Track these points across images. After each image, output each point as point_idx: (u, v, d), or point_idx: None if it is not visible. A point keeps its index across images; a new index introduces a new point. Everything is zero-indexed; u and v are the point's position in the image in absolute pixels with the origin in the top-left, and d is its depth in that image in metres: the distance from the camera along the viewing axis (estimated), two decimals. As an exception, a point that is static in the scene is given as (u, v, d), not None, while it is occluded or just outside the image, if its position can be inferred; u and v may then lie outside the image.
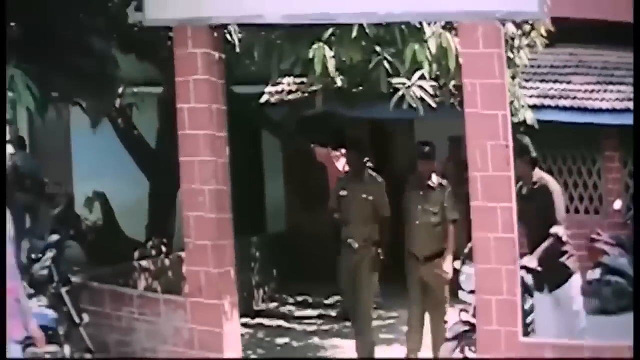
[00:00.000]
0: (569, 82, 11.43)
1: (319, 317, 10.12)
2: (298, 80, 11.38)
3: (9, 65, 6.30)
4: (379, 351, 8.15)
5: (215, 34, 6.48)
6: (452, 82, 7.36)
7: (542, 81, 11.27)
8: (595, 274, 10.29)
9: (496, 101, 5.80)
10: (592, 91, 11.20)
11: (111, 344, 7.29)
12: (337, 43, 6.54)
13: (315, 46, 6.33)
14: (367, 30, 6.49)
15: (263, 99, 11.42)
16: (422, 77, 6.69)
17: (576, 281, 7.12)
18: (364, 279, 7.96)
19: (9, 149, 10.47)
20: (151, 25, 6.67)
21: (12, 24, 6.57)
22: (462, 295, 7.23)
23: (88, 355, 6.95)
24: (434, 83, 6.80)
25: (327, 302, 10.62)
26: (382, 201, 8.00)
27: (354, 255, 7.97)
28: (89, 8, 7.45)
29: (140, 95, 10.06)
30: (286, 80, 11.49)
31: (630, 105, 10.67)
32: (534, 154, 7.01)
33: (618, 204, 10.57)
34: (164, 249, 9.68)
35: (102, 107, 8.23)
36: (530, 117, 9.33)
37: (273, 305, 10.82)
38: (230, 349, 6.59)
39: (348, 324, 8.64)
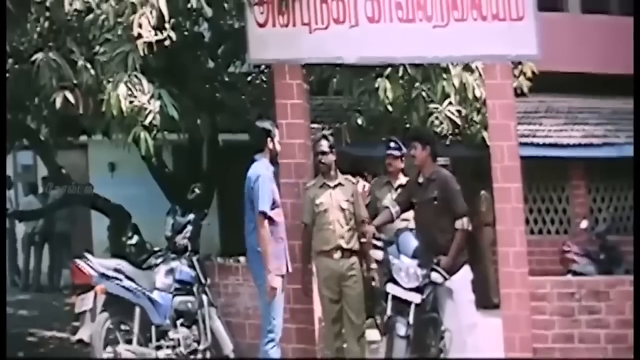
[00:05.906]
0: (540, 124, 14.02)
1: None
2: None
3: (155, 85, 8.48)
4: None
5: (304, 70, 9.23)
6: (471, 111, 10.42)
7: (517, 124, 13.89)
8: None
9: (508, 114, 8.58)
10: (560, 130, 13.79)
11: (219, 307, 9.30)
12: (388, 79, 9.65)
13: (379, 79, 9.45)
14: (409, 71, 9.77)
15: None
16: (450, 104, 9.95)
17: (466, 271, 8.23)
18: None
19: None
20: (254, 63, 9.77)
21: (151, 55, 8.35)
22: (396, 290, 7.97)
23: (213, 309, 9.04)
24: (459, 108, 10.02)
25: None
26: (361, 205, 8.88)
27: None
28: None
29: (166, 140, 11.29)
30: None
31: (594, 140, 13.40)
32: (439, 154, 8.45)
33: (584, 224, 12.88)
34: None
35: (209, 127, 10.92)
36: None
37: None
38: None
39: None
